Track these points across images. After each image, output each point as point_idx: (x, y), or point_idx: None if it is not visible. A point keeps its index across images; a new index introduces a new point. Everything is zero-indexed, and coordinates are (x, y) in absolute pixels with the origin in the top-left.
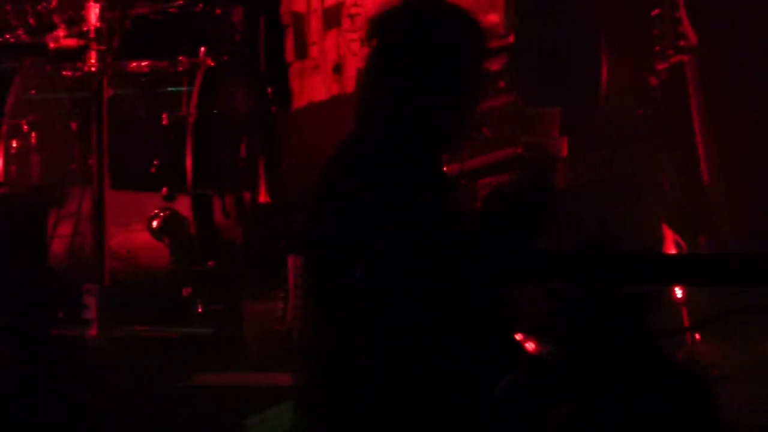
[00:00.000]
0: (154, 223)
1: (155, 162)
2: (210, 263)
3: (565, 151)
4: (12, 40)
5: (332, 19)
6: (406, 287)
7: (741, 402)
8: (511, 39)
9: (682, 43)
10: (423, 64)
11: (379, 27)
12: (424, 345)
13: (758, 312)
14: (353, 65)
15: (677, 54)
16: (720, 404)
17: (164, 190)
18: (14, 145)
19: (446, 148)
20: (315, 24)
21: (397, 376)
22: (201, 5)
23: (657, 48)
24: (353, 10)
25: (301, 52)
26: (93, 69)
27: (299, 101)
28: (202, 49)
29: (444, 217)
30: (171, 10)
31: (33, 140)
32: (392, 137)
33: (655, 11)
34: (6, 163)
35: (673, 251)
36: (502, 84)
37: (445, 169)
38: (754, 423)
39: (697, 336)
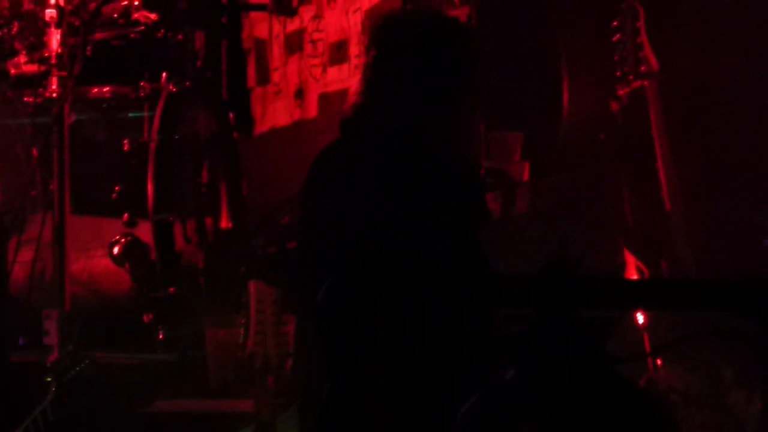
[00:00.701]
0: (116, 249)
1: (116, 188)
2: (171, 289)
3: (526, 176)
4: None
5: (294, 44)
6: (368, 309)
7: (701, 427)
8: (480, 61)
9: (643, 68)
10: (421, 74)
11: (378, 37)
12: (387, 367)
13: (718, 337)
14: (315, 90)
15: (638, 79)
16: (681, 429)
17: (125, 215)
18: None
19: (448, 154)
20: (277, 49)
21: (357, 402)
22: (162, 31)
23: (618, 73)
24: (315, 36)
25: (263, 77)
26: (54, 95)
27: (261, 126)
28: (164, 74)
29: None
30: (132, 35)
31: None
32: (389, 145)
33: (616, 36)
34: None
35: (634, 276)
36: None
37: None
38: None
39: (659, 361)
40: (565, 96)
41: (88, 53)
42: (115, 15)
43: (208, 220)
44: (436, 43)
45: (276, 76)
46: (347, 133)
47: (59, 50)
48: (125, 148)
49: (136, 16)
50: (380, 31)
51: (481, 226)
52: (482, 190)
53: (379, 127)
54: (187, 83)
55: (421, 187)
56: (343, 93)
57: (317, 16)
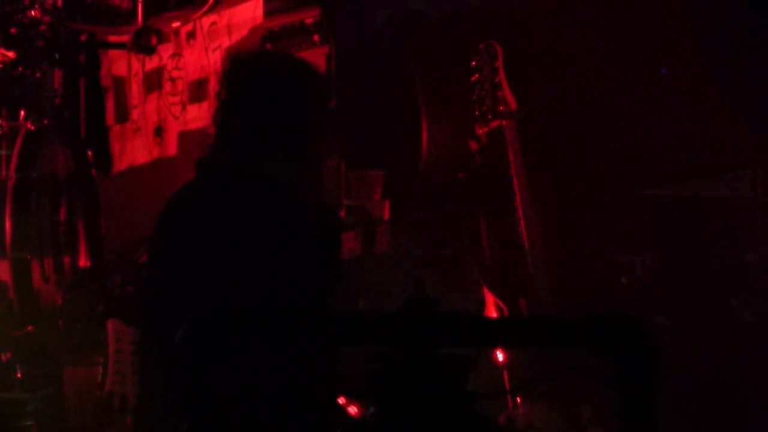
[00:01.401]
0: None
1: None
2: (29, 328)
3: (387, 214)
4: None
5: (153, 82)
6: (226, 352)
7: None
8: (333, 103)
9: (501, 107)
10: (270, 116)
11: (229, 78)
12: (244, 408)
13: (576, 374)
14: (175, 128)
15: (497, 118)
16: None
17: None
18: None
19: (299, 196)
20: (136, 87)
21: None
22: (20, 69)
23: (477, 112)
24: (174, 74)
25: (122, 115)
26: None
27: (120, 164)
28: (22, 112)
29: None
30: None
31: None
32: (234, 184)
33: (475, 76)
34: None
35: (493, 314)
36: None
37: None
38: None
39: (518, 398)
40: (425, 135)
41: None
42: None
43: (66, 259)
44: (285, 85)
45: (135, 114)
46: (202, 174)
47: None
48: None
49: None
50: (231, 72)
51: (334, 279)
52: (338, 234)
53: (232, 169)
54: (45, 121)
55: (274, 229)
56: (203, 131)
57: (176, 54)
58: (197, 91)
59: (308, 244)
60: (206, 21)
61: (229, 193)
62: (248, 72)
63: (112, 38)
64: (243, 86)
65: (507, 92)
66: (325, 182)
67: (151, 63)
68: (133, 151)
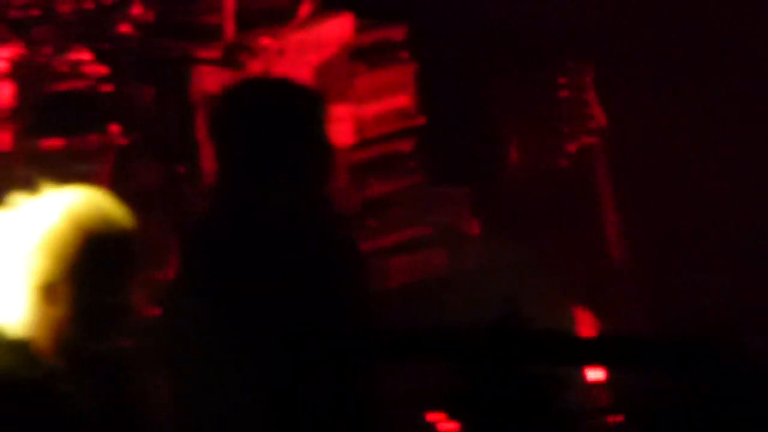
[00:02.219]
0: None
1: None
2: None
3: (475, 231)
4: None
5: None
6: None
7: None
8: (421, 120)
9: (591, 124)
10: (262, 144)
11: (217, 110)
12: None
13: (674, 396)
14: None
15: (586, 135)
16: None
17: None
18: None
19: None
20: None
21: None
22: (112, 84)
23: (566, 129)
24: None
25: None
26: (6, 148)
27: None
28: (113, 128)
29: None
30: (83, 89)
31: None
32: (240, 215)
33: (564, 93)
34: None
35: (587, 332)
36: (412, 164)
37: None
38: None
39: (617, 418)
40: (513, 152)
41: (39, 105)
42: (66, 68)
43: (159, 275)
44: (271, 112)
45: None
46: (216, 207)
47: (11, 102)
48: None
49: (86, 69)
50: (222, 107)
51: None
52: (355, 244)
53: (244, 202)
54: (137, 136)
55: (303, 258)
56: None
57: (266, 70)
58: None
59: (338, 267)
60: (296, 37)
61: (250, 228)
62: (232, 105)
63: (202, 54)
64: (229, 121)
65: (596, 109)
66: (331, 203)
67: None
68: None
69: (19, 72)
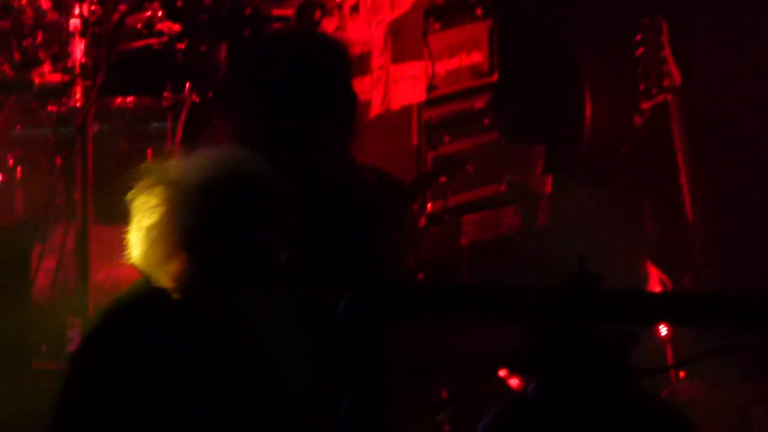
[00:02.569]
0: None
1: None
2: None
3: (548, 189)
4: None
5: None
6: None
7: None
8: (495, 77)
9: (666, 82)
10: (294, 93)
11: (250, 60)
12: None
13: (740, 352)
14: None
15: (661, 93)
16: None
17: None
18: None
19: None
20: None
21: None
22: (186, 41)
23: (641, 87)
24: None
25: None
26: (78, 105)
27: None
28: (187, 85)
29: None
30: (156, 46)
31: (18, 175)
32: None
33: (639, 50)
34: None
35: (657, 289)
36: (486, 122)
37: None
38: None
39: (681, 374)
40: (588, 109)
41: (112, 63)
42: (139, 25)
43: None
44: (302, 59)
45: None
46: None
47: (83, 60)
48: (149, 158)
49: (159, 26)
50: (251, 53)
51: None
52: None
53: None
54: (210, 94)
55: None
56: (365, 104)
57: (339, 28)
58: (359, 65)
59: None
60: None
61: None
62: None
63: (276, 12)
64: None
65: (672, 66)
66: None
67: None
68: None
69: (92, 29)
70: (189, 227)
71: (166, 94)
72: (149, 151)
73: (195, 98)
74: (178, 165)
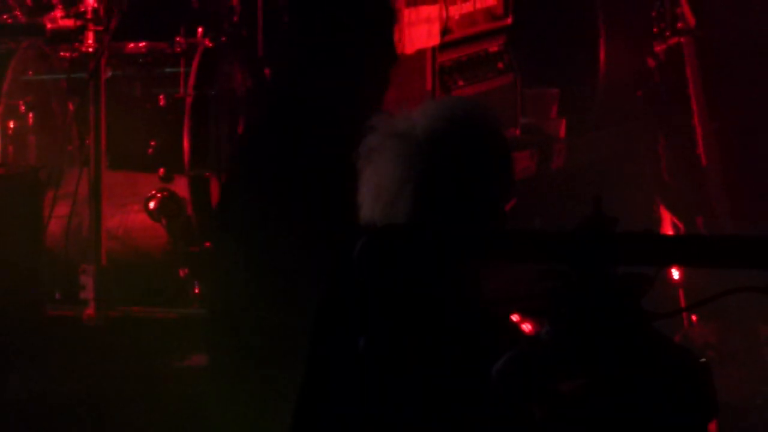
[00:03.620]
0: (151, 204)
1: (152, 143)
2: (207, 244)
3: (563, 133)
4: (9, 20)
5: None
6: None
7: (737, 383)
8: (510, 20)
9: (680, 25)
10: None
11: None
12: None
13: (754, 293)
14: None
15: (675, 36)
16: (716, 385)
17: (161, 171)
18: (11, 125)
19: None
20: None
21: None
22: None
23: (655, 29)
24: None
25: None
26: (90, 50)
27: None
28: (200, 29)
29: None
30: None
31: (30, 121)
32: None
33: None
34: (3, 144)
35: (670, 232)
36: (500, 65)
37: None
38: (749, 404)
39: (694, 317)
40: (602, 52)
41: (124, 8)
42: None
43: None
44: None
45: None
46: None
47: (95, 5)
48: (161, 104)
49: None
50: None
51: None
52: None
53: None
54: (223, 39)
55: None
56: None
57: None
58: None
59: None
60: None
61: None
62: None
63: None
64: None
65: (686, 9)
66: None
67: None
68: None
69: None
70: (429, 182)
71: (178, 38)
72: (162, 97)
73: (208, 43)
74: (407, 117)
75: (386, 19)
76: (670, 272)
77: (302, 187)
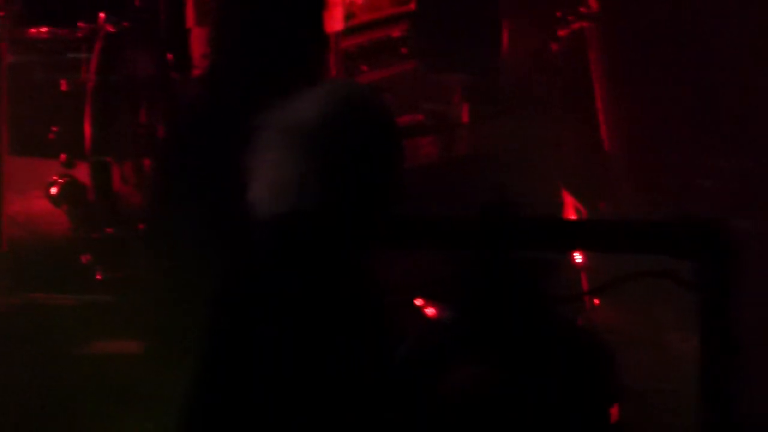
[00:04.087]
0: (53, 190)
1: (54, 128)
2: (109, 230)
3: (466, 118)
4: None
5: None
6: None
7: (638, 366)
8: (413, 6)
9: (582, 9)
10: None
11: None
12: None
13: (655, 277)
14: None
15: (578, 20)
16: (618, 368)
17: (63, 156)
18: None
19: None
20: None
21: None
22: None
23: (558, 14)
24: None
25: (203, 17)
26: None
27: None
28: (102, 15)
29: None
30: None
31: None
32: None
33: None
34: None
35: (573, 217)
36: (403, 50)
37: None
38: (650, 387)
39: (596, 301)
40: (505, 37)
41: None
42: None
43: (146, 161)
44: None
45: None
46: None
47: None
48: (63, 89)
49: None
50: None
51: None
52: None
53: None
54: (125, 23)
55: None
56: None
57: None
58: None
59: None
60: None
61: None
62: None
63: None
64: None
65: None
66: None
67: None
68: None
69: None
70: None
71: (81, 24)
72: (64, 82)
73: (110, 28)
74: (295, 108)
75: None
76: (573, 257)
77: (212, 175)
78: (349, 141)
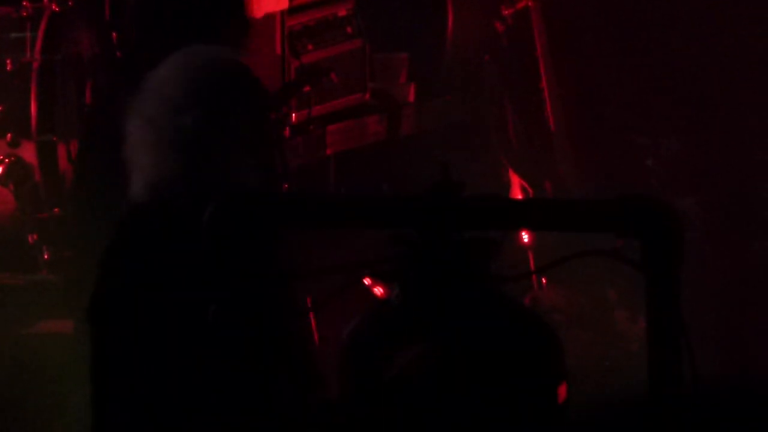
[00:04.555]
0: None
1: None
2: (56, 210)
3: (412, 97)
4: None
5: None
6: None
7: (585, 346)
8: None
9: None
10: None
11: None
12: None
13: (601, 257)
14: None
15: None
16: (564, 348)
17: (8, 136)
18: None
19: None
20: None
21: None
22: None
23: None
24: None
25: None
26: None
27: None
28: None
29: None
30: None
31: None
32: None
33: None
34: None
35: (519, 196)
36: (348, 30)
37: None
38: (598, 367)
39: (543, 280)
40: (450, 16)
41: None
42: None
43: None
44: None
45: None
46: None
47: None
48: (8, 69)
49: None
50: None
51: None
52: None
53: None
54: (70, 3)
55: None
56: None
57: None
58: None
59: None
60: None
61: None
62: None
63: None
64: None
65: None
66: None
67: None
68: None
69: None
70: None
71: (25, 3)
72: (9, 62)
73: (55, 7)
74: (151, 96)
75: None
76: (520, 236)
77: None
78: (212, 107)
